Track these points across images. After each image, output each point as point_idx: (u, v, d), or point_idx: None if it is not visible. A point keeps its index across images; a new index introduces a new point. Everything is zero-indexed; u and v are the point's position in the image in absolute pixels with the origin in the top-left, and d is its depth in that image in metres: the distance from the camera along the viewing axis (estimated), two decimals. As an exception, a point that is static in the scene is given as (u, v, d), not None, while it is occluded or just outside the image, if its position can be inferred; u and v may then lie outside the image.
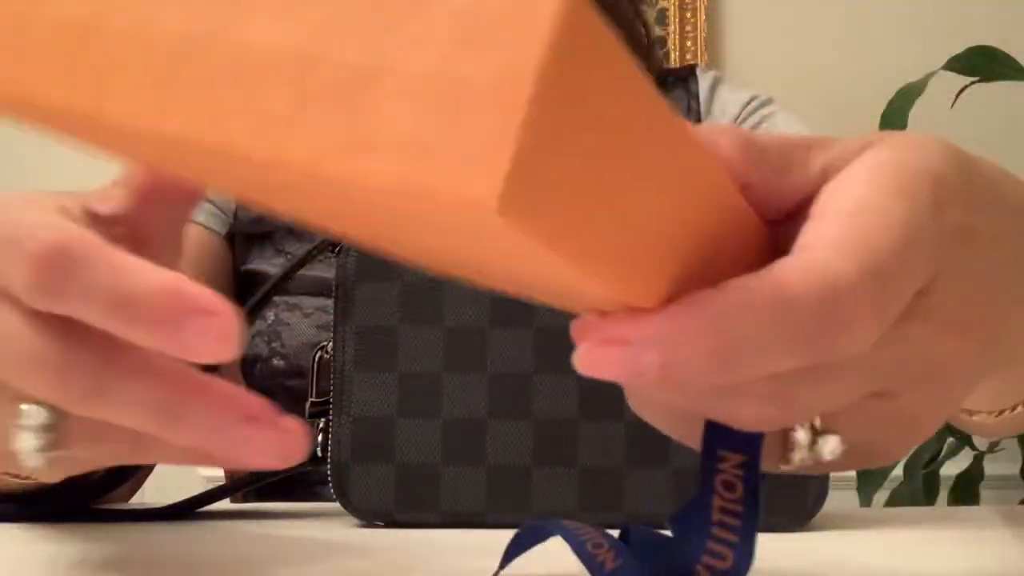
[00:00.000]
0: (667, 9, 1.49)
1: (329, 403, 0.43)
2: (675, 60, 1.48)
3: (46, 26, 0.17)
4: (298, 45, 0.14)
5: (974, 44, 1.01)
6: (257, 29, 0.15)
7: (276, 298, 0.67)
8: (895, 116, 0.97)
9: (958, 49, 1.00)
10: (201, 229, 0.74)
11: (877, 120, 0.98)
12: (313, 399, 0.44)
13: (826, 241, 0.20)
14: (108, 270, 0.24)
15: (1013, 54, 1.01)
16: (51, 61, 0.17)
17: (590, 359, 0.19)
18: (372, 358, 0.44)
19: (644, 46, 0.79)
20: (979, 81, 1.01)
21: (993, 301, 0.24)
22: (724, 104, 0.77)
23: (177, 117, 0.15)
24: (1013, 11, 1.40)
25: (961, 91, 1.02)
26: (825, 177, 0.23)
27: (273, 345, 0.66)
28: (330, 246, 0.47)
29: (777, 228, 0.24)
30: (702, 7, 1.48)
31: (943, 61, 0.99)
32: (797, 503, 0.41)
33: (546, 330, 0.44)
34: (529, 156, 0.13)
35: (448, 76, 0.13)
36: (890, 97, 0.99)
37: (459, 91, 0.13)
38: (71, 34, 0.17)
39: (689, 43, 1.49)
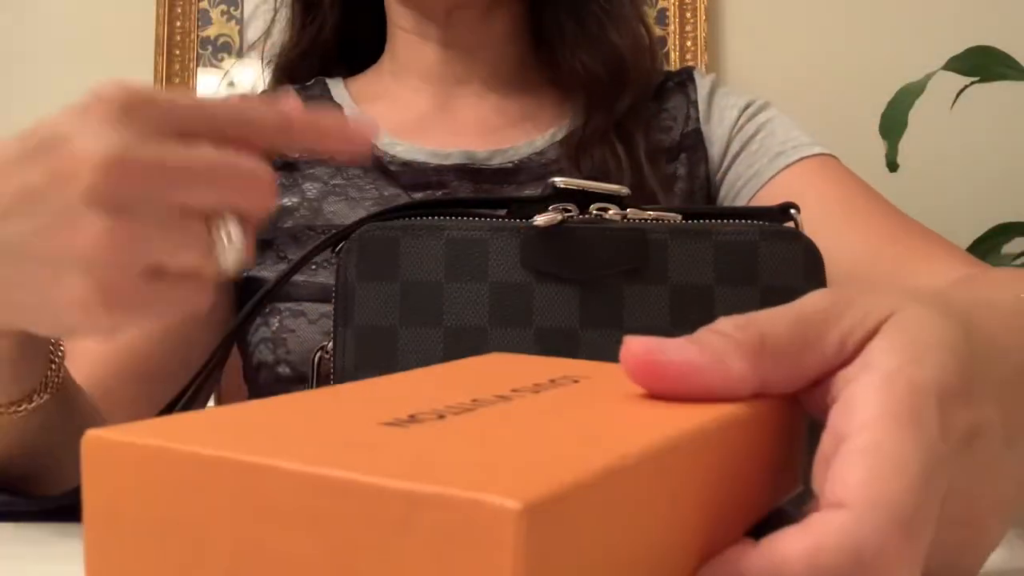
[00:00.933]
0: (667, 9, 1.49)
1: (329, 404, 0.43)
2: (675, 60, 1.48)
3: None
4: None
5: (974, 44, 1.00)
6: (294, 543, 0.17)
7: (280, 305, 0.67)
8: (895, 116, 0.97)
9: (958, 49, 1.00)
10: None
11: (877, 120, 0.98)
12: (314, 400, 0.44)
13: (850, 495, 0.21)
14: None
15: (1013, 54, 1.01)
16: None
17: None
18: (372, 358, 0.44)
19: (645, 48, 0.79)
20: (979, 81, 1.01)
21: (1006, 479, 0.26)
22: (722, 110, 0.77)
23: None
24: (1013, 11, 1.40)
25: (961, 91, 1.02)
26: (843, 352, 0.24)
27: (278, 352, 0.66)
28: (330, 248, 0.47)
29: (805, 393, 0.25)
30: (702, 7, 1.48)
31: (943, 61, 0.99)
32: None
33: (546, 330, 0.44)
34: None
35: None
36: (890, 97, 0.99)
37: None
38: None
39: (689, 43, 1.48)
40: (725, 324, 0.25)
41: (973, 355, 0.25)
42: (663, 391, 0.24)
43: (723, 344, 0.24)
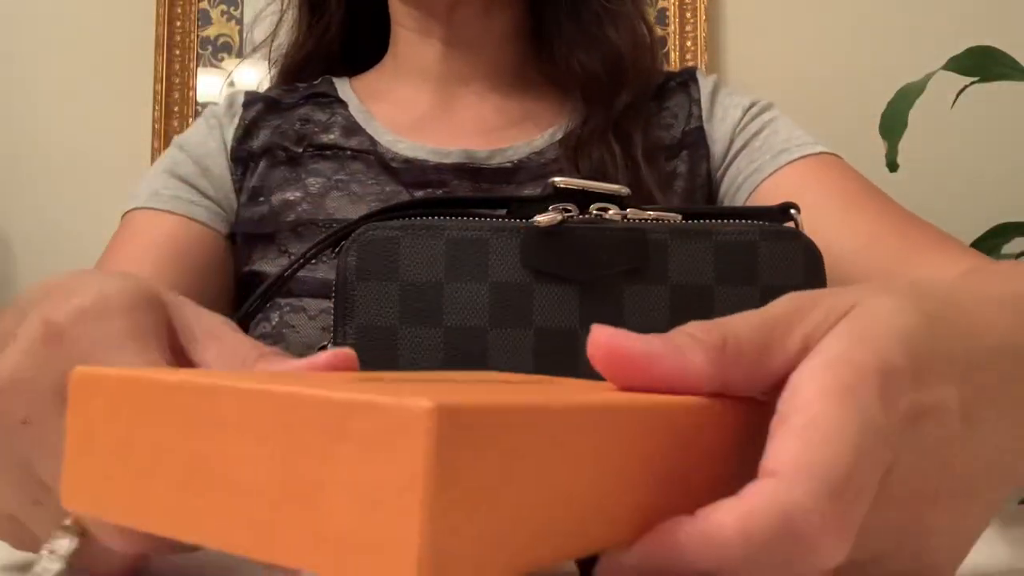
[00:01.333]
0: (667, 9, 1.49)
1: (329, 403, 0.43)
2: (675, 60, 1.48)
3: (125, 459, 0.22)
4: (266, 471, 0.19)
5: (974, 44, 1.00)
6: (239, 461, 0.19)
7: (281, 300, 0.67)
8: (895, 116, 0.97)
9: (958, 49, 1.00)
10: (200, 227, 0.74)
11: (877, 120, 0.98)
12: (314, 399, 0.44)
13: (783, 464, 0.22)
14: None
15: (1013, 54, 1.01)
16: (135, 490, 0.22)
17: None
18: (372, 358, 0.44)
19: (646, 46, 0.79)
20: (979, 81, 1.01)
21: (966, 462, 0.26)
22: (726, 109, 0.77)
23: (188, 522, 0.20)
24: (1013, 11, 1.40)
25: (961, 91, 1.02)
26: (805, 351, 0.25)
27: (278, 347, 0.66)
28: (330, 246, 0.47)
29: (772, 394, 0.25)
30: (702, 7, 1.48)
31: (943, 61, 0.99)
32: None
33: (546, 330, 0.44)
34: (433, 546, 0.16)
35: (364, 482, 0.17)
36: (890, 97, 0.99)
37: (373, 493, 0.17)
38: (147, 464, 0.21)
39: (689, 43, 1.48)
40: (692, 326, 0.26)
41: (934, 337, 0.25)
42: (625, 380, 0.24)
43: (685, 340, 0.25)
